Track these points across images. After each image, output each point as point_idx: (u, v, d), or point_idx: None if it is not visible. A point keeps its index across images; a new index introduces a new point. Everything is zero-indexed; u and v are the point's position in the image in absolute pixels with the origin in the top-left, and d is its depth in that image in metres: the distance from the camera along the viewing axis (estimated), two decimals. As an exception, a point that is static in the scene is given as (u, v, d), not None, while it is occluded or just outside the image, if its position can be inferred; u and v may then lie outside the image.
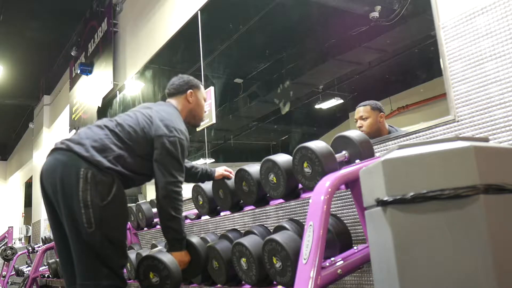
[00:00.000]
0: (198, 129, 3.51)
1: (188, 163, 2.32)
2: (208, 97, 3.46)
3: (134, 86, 5.08)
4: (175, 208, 1.88)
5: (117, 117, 2.00)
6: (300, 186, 1.88)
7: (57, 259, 4.68)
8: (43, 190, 1.88)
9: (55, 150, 1.87)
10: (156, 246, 2.93)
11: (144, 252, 2.79)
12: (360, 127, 2.44)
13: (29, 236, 8.98)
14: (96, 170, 1.77)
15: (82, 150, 1.79)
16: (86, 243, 1.74)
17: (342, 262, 1.60)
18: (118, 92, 5.35)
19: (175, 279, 1.83)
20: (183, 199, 1.97)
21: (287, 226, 1.96)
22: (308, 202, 1.58)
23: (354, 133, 1.82)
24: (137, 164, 1.91)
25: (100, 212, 1.74)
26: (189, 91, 2.17)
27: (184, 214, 2.80)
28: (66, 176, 1.77)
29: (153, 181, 1.99)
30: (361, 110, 2.45)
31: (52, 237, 6.03)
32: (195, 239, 2.00)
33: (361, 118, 2.44)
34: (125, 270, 2.01)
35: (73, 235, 1.77)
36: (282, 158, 1.88)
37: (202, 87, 2.26)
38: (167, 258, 1.86)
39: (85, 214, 1.72)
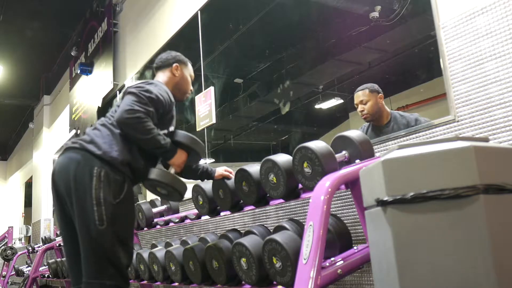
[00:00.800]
0: (198, 129, 3.51)
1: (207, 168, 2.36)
2: (208, 97, 3.46)
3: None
4: (140, 131, 1.85)
5: (110, 112, 2.04)
6: (300, 186, 1.88)
7: (57, 259, 4.68)
8: (54, 188, 1.92)
9: (68, 149, 1.91)
10: (156, 246, 2.93)
11: (144, 252, 2.79)
12: (362, 111, 2.45)
13: (29, 236, 8.98)
14: (109, 169, 1.82)
15: (95, 149, 1.84)
16: (95, 241, 1.77)
17: (342, 262, 1.60)
18: (118, 92, 5.35)
19: (180, 191, 1.95)
20: (163, 142, 1.92)
21: (287, 226, 1.96)
22: (308, 202, 1.58)
23: (354, 133, 1.83)
24: (145, 153, 1.94)
25: (112, 210, 1.78)
26: (174, 64, 2.19)
27: (184, 214, 2.81)
28: (79, 174, 1.81)
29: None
30: (360, 94, 2.47)
31: (52, 237, 6.05)
32: (179, 136, 2.03)
33: (361, 102, 2.45)
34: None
35: (83, 233, 1.79)
36: (282, 158, 1.88)
37: (189, 64, 2.27)
38: (167, 179, 1.91)
39: (97, 212, 1.76)
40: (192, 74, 2.28)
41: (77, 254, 1.84)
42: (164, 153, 1.96)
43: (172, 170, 2.00)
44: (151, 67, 4.70)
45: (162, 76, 2.18)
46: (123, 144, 1.88)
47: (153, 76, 2.27)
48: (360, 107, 2.47)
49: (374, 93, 2.45)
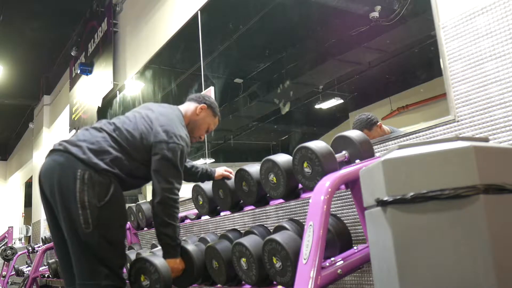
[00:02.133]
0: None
1: (189, 163, 2.32)
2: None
3: (134, 86, 5.08)
4: (169, 215, 1.88)
5: (115, 120, 1.99)
6: (300, 186, 1.88)
7: (57, 259, 4.67)
8: (42, 192, 1.89)
9: (53, 151, 1.88)
10: (156, 246, 2.93)
11: (144, 252, 2.79)
12: None
13: (29, 236, 8.98)
14: (93, 172, 1.78)
15: (79, 152, 1.80)
16: (84, 244, 1.75)
17: (342, 262, 1.60)
18: (118, 92, 5.35)
19: (165, 283, 1.82)
20: (182, 199, 1.97)
21: (287, 226, 1.96)
22: (308, 202, 1.58)
23: (354, 133, 1.82)
24: (135, 168, 1.90)
25: (97, 213, 1.75)
26: (203, 104, 2.15)
27: (184, 214, 2.81)
28: (63, 177, 1.78)
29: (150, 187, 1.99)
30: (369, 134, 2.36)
31: (51, 238, 6.04)
32: (190, 247, 2.00)
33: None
34: (124, 270, 2.01)
35: (71, 236, 1.77)
36: (282, 158, 1.88)
37: (217, 117, 2.22)
38: (159, 261, 1.86)
39: (82, 215, 1.73)
40: (212, 126, 2.22)
41: (69, 256, 1.82)
42: (169, 247, 1.92)
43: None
44: (151, 67, 4.72)
45: (184, 108, 2.15)
46: (111, 155, 1.84)
47: (163, 98, 2.25)
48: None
49: (373, 126, 2.39)
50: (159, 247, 2.42)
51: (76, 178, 1.75)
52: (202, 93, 2.22)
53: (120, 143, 1.88)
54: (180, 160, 1.91)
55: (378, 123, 2.41)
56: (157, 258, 1.88)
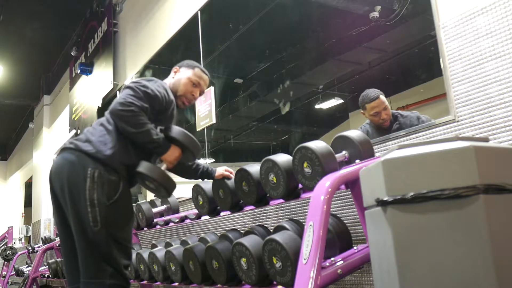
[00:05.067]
0: (198, 129, 3.51)
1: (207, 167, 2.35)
2: (208, 97, 3.46)
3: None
4: (132, 124, 1.83)
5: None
6: (300, 186, 1.88)
7: (57, 259, 4.68)
8: (52, 189, 1.92)
9: (63, 149, 1.91)
10: (156, 246, 2.93)
11: (144, 253, 2.79)
12: (385, 118, 2.35)
13: (29, 236, 8.98)
14: (103, 169, 1.80)
15: (90, 147, 1.83)
16: (91, 242, 1.76)
17: (342, 262, 1.60)
18: (118, 92, 5.35)
19: (167, 188, 1.92)
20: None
21: (287, 226, 1.96)
22: (308, 202, 1.58)
23: (354, 133, 1.82)
24: (139, 151, 1.93)
25: (106, 211, 1.77)
26: (175, 67, 2.20)
27: (184, 214, 2.81)
28: (73, 175, 1.81)
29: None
30: (382, 101, 2.36)
31: (52, 237, 6.05)
32: (173, 132, 1.99)
33: (385, 109, 2.36)
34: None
35: (79, 234, 1.79)
36: (282, 158, 1.88)
37: (196, 69, 2.20)
38: (154, 173, 1.88)
39: (91, 213, 1.75)
40: (194, 77, 2.18)
41: (74, 254, 1.83)
42: (156, 148, 1.93)
43: (163, 166, 1.97)
44: (151, 67, 4.72)
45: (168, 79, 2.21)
46: (117, 142, 1.87)
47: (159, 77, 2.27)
48: (383, 115, 2.36)
49: (385, 98, 2.39)
50: (159, 247, 2.42)
51: (86, 176, 1.78)
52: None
53: (118, 132, 1.90)
54: (141, 87, 1.89)
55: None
56: (152, 170, 1.89)
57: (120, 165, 1.86)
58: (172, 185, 1.94)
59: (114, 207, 1.80)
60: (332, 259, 1.61)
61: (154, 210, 3.02)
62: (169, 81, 2.19)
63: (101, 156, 1.81)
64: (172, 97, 2.06)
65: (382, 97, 2.39)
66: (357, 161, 1.72)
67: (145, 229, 3.13)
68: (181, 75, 2.19)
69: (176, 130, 2.01)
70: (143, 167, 1.89)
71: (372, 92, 2.41)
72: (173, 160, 1.97)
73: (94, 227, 1.75)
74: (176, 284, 2.51)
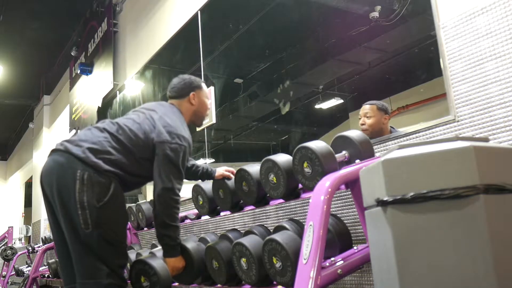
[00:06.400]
0: (198, 129, 3.51)
1: (190, 162, 2.32)
2: (208, 97, 3.46)
3: (134, 86, 5.08)
4: (170, 215, 1.88)
5: (119, 119, 2.00)
6: (300, 186, 1.88)
7: (57, 259, 4.67)
8: (43, 192, 1.90)
9: (54, 151, 1.89)
10: (156, 246, 2.93)
11: (144, 252, 2.79)
12: (363, 124, 2.44)
13: (29, 236, 8.98)
14: (92, 172, 1.78)
15: (79, 152, 1.80)
16: (84, 244, 1.75)
17: (342, 262, 1.60)
18: (118, 92, 5.35)
19: (164, 285, 1.87)
20: (182, 199, 1.97)
21: (287, 226, 1.96)
22: (308, 202, 1.58)
23: (354, 133, 1.82)
24: (137, 166, 1.91)
25: (96, 213, 1.75)
26: (191, 94, 2.15)
27: (184, 214, 2.81)
28: (63, 177, 1.79)
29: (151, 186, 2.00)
30: (367, 108, 2.45)
31: (52, 237, 6.04)
32: (190, 245, 2.01)
33: (366, 115, 2.44)
34: (125, 270, 2.01)
35: (71, 236, 1.78)
36: (282, 158, 1.88)
37: (204, 85, 2.23)
38: (157, 264, 1.88)
39: (81, 215, 1.74)
40: (208, 94, 2.26)
41: (69, 255, 1.83)
42: (169, 247, 1.94)
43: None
44: (151, 67, 4.72)
45: (178, 106, 2.14)
46: (112, 155, 1.84)
47: (163, 98, 2.25)
48: (362, 120, 2.45)
49: (381, 111, 2.43)
50: (159, 247, 2.42)
51: (75, 178, 1.76)
52: (173, 83, 2.20)
53: (123, 143, 1.89)
54: (182, 160, 1.92)
55: (386, 115, 2.44)
56: (156, 260, 1.89)
57: (109, 172, 1.83)
58: (169, 284, 1.93)
59: (105, 209, 1.78)
60: (332, 259, 1.61)
61: (154, 210, 3.02)
62: (188, 110, 2.15)
63: (89, 161, 1.79)
64: (191, 145, 2.05)
65: (369, 106, 2.44)
66: (357, 161, 1.72)
67: (145, 229, 3.13)
68: (200, 98, 2.19)
69: (195, 246, 2.04)
70: (147, 257, 1.94)
71: (374, 101, 2.49)
72: (175, 268, 1.97)
73: (85, 229, 1.74)
74: (176, 284, 2.51)
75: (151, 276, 1.88)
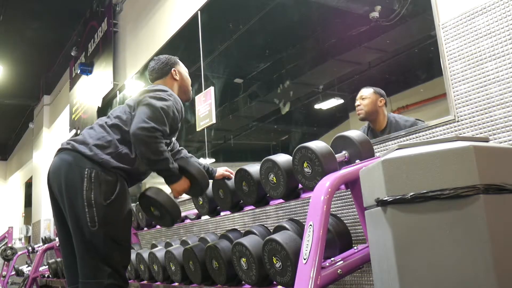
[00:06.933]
0: (198, 129, 3.51)
1: (192, 158, 2.36)
2: (208, 97, 3.46)
3: (134, 86, 5.08)
4: (153, 152, 1.80)
5: (112, 111, 2.04)
6: (300, 186, 1.88)
7: (57, 259, 4.68)
8: (50, 190, 1.92)
9: (61, 150, 1.91)
10: (156, 246, 2.93)
11: (144, 253, 2.79)
12: (358, 105, 2.49)
13: (29, 236, 8.98)
14: (100, 170, 1.80)
15: (86, 150, 1.82)
16: (89, 242, 1.76)
17: (342, 262, 1.60)
18: (118, 92, 5.35)
19: (172, 215, 1.93)
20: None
21: (287, 226, 1.96)
22: (308, 202, 1.58)
23: (354, 133, 1.83)
24: (137, 157, 1.91)
25: (103, 211, 1.77)
26: (172, 70, 2.18)
27: (184, 214, 2.81)
28: (70, 175, 1.81)
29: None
30: (363, 90, 2.52)
31: (52, 237, 6.04)
32: (189, 166, 2.00)
33: (361, 98, 2.50)
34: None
35: (77, 234, 1.79)
36: (282, 158, 1.88)
37: (179, 61, 2.26)
38: (162, 198, 1.90)
39: (88, 213, 1.75)
40: (185, 68, 2.27)
41: (74, 255, 1.84)
42: (166, 176, 1.93)
43: (170, 194, 1.98)
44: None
45: (163, 84, 2.14)
46: (117, 148, 1.86)
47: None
48: (358, 102, 2.51)
49: (376, 94, 2.48)
50: (160, 247, 2.42)
51: (83, 176, 1.78)
52: (151, 66, 2.19)
53: (118, 125, 1.91)
54: (165, 110, 1.87)
55: (382, 98, 2.50)
56: (160, 195, 1.91)
57: (117, 168, 1.85)
58: (177, 213, 1.94)
59: (112, 207, 1.80)
60: (332, 259, 1.61)
61: (154, 210, 3.02)
62: (174, 85, 2.16)
63: (97, 159, 1.81)
64: (183, 109, 2.05)
65: (366, 89, 2.51)
66: (357, 161, 1.72)
67: (145, 229, 3.13)
68: (181, 73, 2.21)
69: (192, 164, 2.03)
70: (152, 191, 1.91)
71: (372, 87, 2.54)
72: (181, 190, 1.97)
73: (91, 227, 1.75)
74: (176, 284, 2.51)
75: (158, 208, 1.94)
